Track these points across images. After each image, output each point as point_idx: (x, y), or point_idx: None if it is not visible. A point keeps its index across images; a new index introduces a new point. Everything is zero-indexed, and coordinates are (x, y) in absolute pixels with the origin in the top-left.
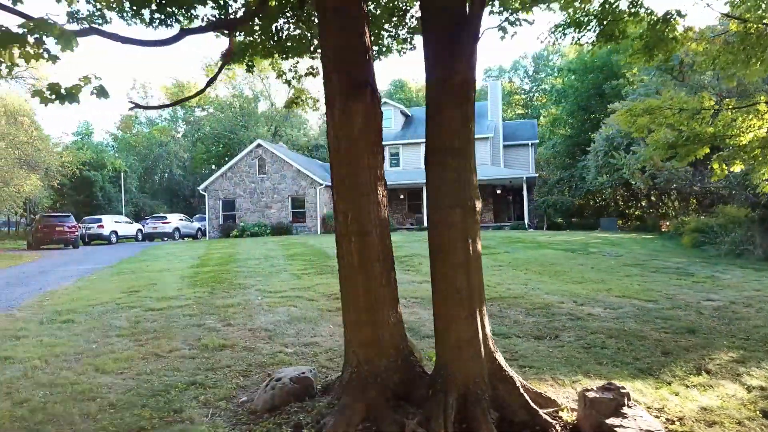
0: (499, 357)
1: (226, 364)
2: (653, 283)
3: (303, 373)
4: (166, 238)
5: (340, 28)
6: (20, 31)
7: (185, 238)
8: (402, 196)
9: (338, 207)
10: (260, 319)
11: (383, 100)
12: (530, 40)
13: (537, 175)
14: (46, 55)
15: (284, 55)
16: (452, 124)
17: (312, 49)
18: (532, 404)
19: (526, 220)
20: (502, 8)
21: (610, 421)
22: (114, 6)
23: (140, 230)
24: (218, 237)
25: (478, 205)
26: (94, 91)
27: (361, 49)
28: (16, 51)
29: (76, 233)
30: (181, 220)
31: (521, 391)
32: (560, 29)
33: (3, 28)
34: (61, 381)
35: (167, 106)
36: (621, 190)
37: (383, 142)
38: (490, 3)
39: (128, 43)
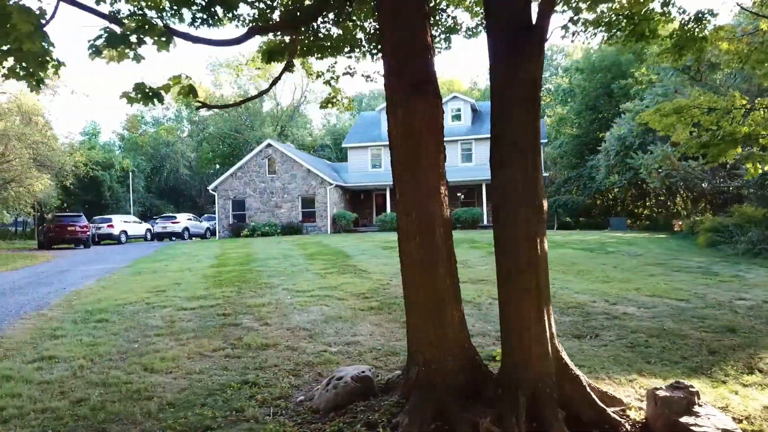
0: (565, 356)
1: (273, 363)
2: (680, 283)
3: (363, 372)
4: (174, 238)
5: (401, 26)
6: (125, 32)
7: (193, 238)
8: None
9: (401, 206)
10: (295, 318)
11: None
12: None
13: (547, 174)
14: (131, 55)
15: (322, 55)
16: (520, 123)
17: (348, 48)
18: (600, 403)
19: None
20: (565, 7)
21: (684, 419)
22: (153, 6)
23: (149, 230)
24: (228, 237)
25: (545, 203)
26: (182, 92)
27: (422, 47)
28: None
29: (88, 233)
30: (190, 219)
31: (588, 389)
32: (590, 28)
33: (108, 30)
34: (113, 380)
35: (232, 105)
36: (632, 189)
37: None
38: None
39: (199, 43)
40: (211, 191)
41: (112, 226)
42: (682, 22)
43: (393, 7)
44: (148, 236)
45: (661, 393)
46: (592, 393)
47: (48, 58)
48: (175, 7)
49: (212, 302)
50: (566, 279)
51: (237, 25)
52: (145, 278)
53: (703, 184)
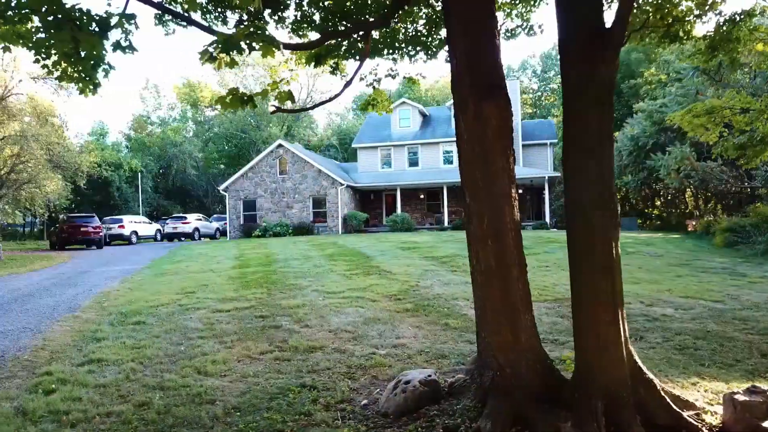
0: (638, 360)
1: (325, 366)
2: (709, 284)
3: (429, 376)
4: (183, 238)
5: (472, 30)
6: (237, 38)
7: (203, 239)
8: (422, 196)
9: (472, 209)
10: (334, 320)
11: (402, 99)
12: (537, 40)
13: (559, 174)
14: (227, 60)
15: (391, 53)
16: (594, 127)
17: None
18: (675, 407)
19: (548, 220)
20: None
21: (766, 424)
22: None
23: (159, 230)
24: (239, 237)
25: (617, 207)
26: (280, 97)
27: (492, 50)
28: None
29: (101, 234)
30: (199, 220)
31: (662, 393)
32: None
33: (224, 36)
34: (170, 384)
35: (305, 109)
36: (645, 189)
37: (402, 143)
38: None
39: (287, 49)
40: (221, 191)
41: (122, 226)
42: (718, 23)
43: (465, 8)
44: (158, 237)
45: (740, 397)
46: (666, 397)
47: (101, 63)
48: (219, 10)
49: (245, 304)
50: None
51: (278, 27)
52: (169, 280)
53: (723, 185)
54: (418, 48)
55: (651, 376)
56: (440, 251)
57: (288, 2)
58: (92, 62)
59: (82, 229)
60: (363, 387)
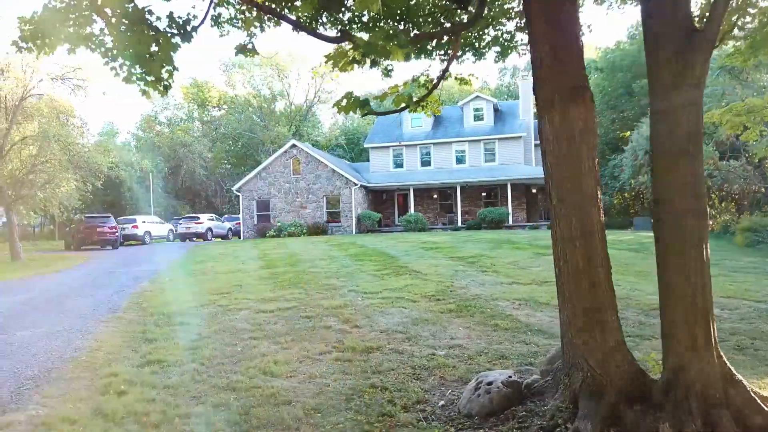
0: (726, 361)
1: (389, 367)
2: (744, 283)
3: (510, 377)
4: (194, 238)
5: (556, 31)
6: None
7: (215, 239)
8: (435, 196)
9: (560, 211)
10: (381, 320)
11: None
12: None
13: None
14: (345, 62)
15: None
16: (685, 127)
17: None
18: (766, 408)
19: None
20: None
21: None
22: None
23: (171, 230)
24: (253, 237)
25: (707, 209)
26: (399, 100)
27: (577, 51)
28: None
29: (117, 234)
30: (212, 220)
31: (752, 394)
32: None
33: (364, 40)
34: (239, 385)
35: (395, 111)
36: None
37: (414, 142)
38: None
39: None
40: (235, 191)
41: (136, 226)
42: (762, 21)
43: (549, 9)
44: (171, 237)
45: None
46: (757, 398)
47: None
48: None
49: (287, 304)
50: (630, 280)
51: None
52: (199, 280)
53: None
54: (466, 48)
55: (740, 377)
56: (464, 251)
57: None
58: (163, 63)
59: (98, 229)
60: (433, 388)
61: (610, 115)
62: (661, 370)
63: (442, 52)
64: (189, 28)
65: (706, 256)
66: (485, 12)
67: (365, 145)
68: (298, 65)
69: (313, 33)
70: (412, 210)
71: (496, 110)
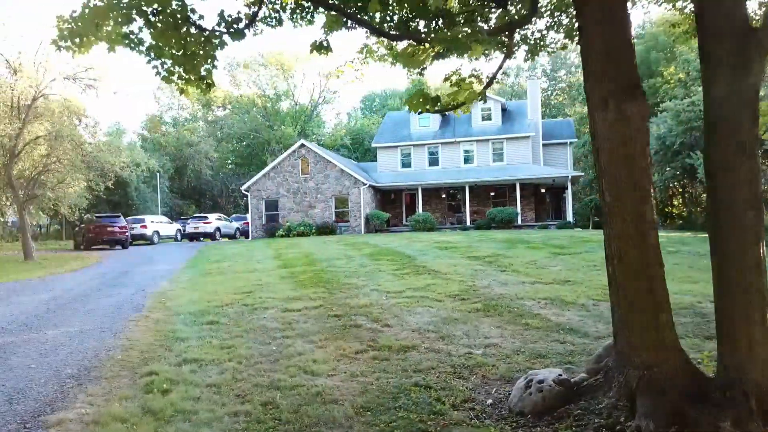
0: None
1: (428, 365)
2: None
3: (560, 375)
4: (202, 238)
5: (609, 30)
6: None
7: (223, 239)
8: (443, 196)
9: (614, 209)
10: (411, 319)
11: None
12: None
13: (583, 173)
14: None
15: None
16: (746, 126)
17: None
18: None
19: (571, 219)
20: None
21: None
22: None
23: (179, 230)
24: (262, 237)
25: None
26: (468, 98)
27: (629, 50)
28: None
29: (127, 234)
30: (220, 219)
31: None
32: None
33: (447, 37)
34: (282, 383)
35: (450, 109)
36: (672, 189)
37: (422, 142)
38: None
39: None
40: (243, 191)
41: (145, 226)
42: None
43: (601, 10)
44: (178, 237)
45: None
46: None
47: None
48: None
49: (313, 303)
50: None
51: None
52: (217, 280)
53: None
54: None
55: None
56: (480, 251)
57: None
58: (206, 61)
59: (108, 229)
60: (477, 387)
61: None
62: (714, 369)
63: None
64: (241, 26)
65: (764, 253)
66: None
67: (373, 145)
68: (303, 65)
69: (386, 35)
70: (420, 210)
71: (503, 110)
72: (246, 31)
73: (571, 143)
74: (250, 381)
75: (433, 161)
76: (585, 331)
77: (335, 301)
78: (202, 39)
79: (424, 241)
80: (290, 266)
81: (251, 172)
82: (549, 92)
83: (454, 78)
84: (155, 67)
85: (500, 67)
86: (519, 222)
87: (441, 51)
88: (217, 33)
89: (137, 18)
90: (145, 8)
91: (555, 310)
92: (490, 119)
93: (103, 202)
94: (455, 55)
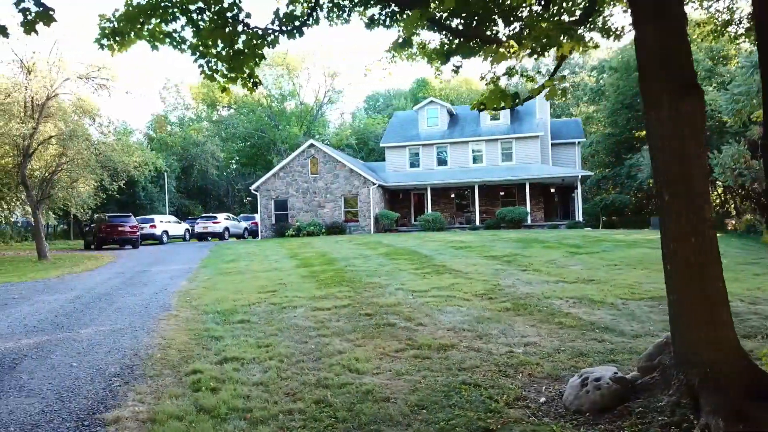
0: None
1: (472, 364)
2: None
3: (616, 373)
4: (210, 238)
5: (664, 28)
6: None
7: (231, 238)
8: (452, 195)
9: (672, 207)
10: (443, 318)
11: (430, 99)
12: None
13: (593, 173)
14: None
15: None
16: None
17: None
18: None
19: (580, 218)
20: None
21: None
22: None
23: (188, 230)
24: (271, 237)
25: None
26: (551, 94)
27: (685, 48)
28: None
29: (138, 233)
30: (228, 219)
31: None
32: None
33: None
34: (329, 382)
35: (529, 98)
36: None
37: (430, 142)
38: None
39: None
40: (252, 191)
41: (154, 226)
42: None
43: (656, 8)
44: (187, 236)
45: None
46: None
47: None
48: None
49: (341, 302)
50: (659, 280)
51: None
52: (239, 279)
53: None
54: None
55: None
56: (496, 251)
57: None
58: (255, 60)
59: (119, 228)
60: (526, 385)
61: (626, 114)
62: None
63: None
64: (298, 24)
65: None
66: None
67: (381, 145)
68: (308, 65)
69: (474, 33)
70: (429, 209)
71: (512, 109)
72: (303, 29)
73: (579, 143)
74: (296, 379)
75: (442, 161)
76: (620, 330)
77: (362, 300)
78: (250, 37)
79: (437, 241)
80: (308, 265)
81: (256, 172)
82: None
83: (515, 76)
84: (201, 65)
85: (557, 67)
86: (528, 222)
87: (533, 47)
88: (270, 31)
89: (180, 17)
90: (188, 6)
91: (585, 309)
92: (498, 119)
93: (112, 201)
94: (535, 51)
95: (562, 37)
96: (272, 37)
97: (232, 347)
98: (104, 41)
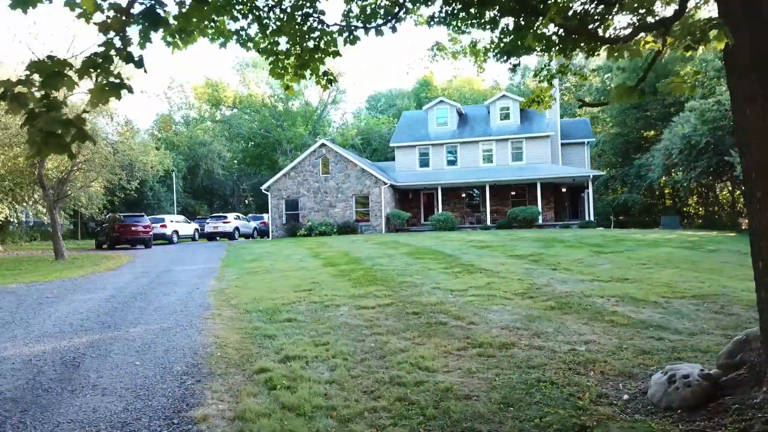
0: None
1: (540, 362)
2: None
3: (702, 370)
4: (218, 238)
5: (756, 23)
6: None
7: (240, 238)
8: (463, 195)
9: (764, 204)
10: (491, 317)
11: (440, 98)
12: None
13: (605, 172)
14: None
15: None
16: None
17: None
18: None
19: (592, 218)
20: None
21: None
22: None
23: (197, 230)
24: (282, 236)
25: None
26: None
27: None
28: None
29: (151, 233)
30: (238, 219)
31: None
32: None
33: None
34: (403, 380)
35: (598, 105)
36: (700, 188)
37: (440, 142)
38: None
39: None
40: (263, 191)
41: (165, 226)
42: None
43: (744, 7)
44: (196, 236)
45: None
46: None
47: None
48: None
49: (383, 301)
50: (707, 277)
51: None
52: (267, 278)
53: None
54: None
55: None
56: (519, 250)
57: None
58: (330, 57)
59: (133, 228)
60: (601, 382)
61: (634, 114)
62: None
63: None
64: (378, 22)
65: None
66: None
67: (391, 144)
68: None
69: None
70: (439, 209)
71: (522, 109)
72: (397, 26)
73: (587, 143)
74: (368, 377)
75: (452, 161)
76: (674, 328)
77: (403, 299)
78: (322, 35)
79: (455, 240)
80: (334, 264)
81: (261, 172)
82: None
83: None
84: (272, 62)
85: (650, 67)
86: (540, 222)
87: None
88: (353, 27)
89: (249, 14)
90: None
91: (630, 308)
92: (508, 118)
93: (119, 201)
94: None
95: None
96: (351, 35)
97: (289, 346)
98: (170, 38)
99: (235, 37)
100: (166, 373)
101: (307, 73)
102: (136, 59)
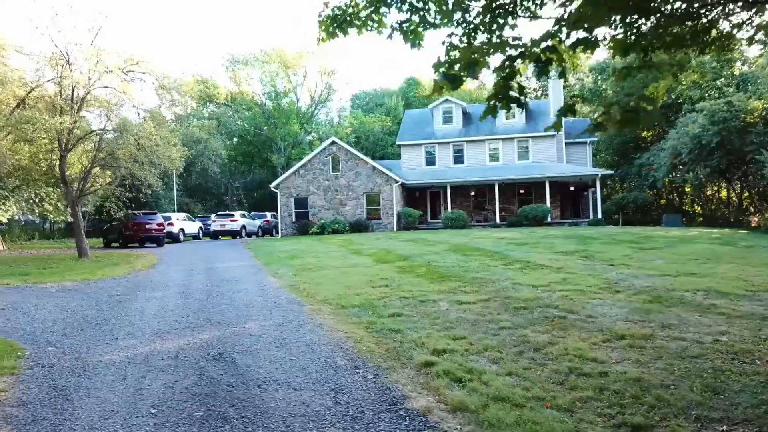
0: None
1: (697, 352)
2: None
3: None
4: (220, 237)
5: None
6: None
7: (248, 237)
8: (472, 193)
9: None
10: (602, 311)
11: (445, 97)
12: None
13: (612, 171)
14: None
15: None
16: None
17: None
18: None
19: (600, 216)
20: None
21: None
22: None
23: (201, 228)
24: (293, 234)
25: None
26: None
27: None
28: None
29: (164, 231)
30: (244, 217)
31: None
32: None
33: None
34: (580, 371)
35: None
36: (709, 187)
37: (447, 140)
38: None
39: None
40: (273, 189)
41: (172, 224)
42: None
43: None
44: (200, 235)
45: None
46: None
47: None
48: None
49: (478, 297)
50: (758, 273)
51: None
52: (328, 274)
53: None
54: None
55: None
56: (558, 247)
57: None
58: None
59: (146, 226)
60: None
61: None
62: None
63: None
64: None
65: None
66: None
67: (397, 143)
68: (305, 62)
69: None
70: (449, 207)
71: (527, 109)
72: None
73: (590, 142)
74: (542, 369)
75: (458, 159)
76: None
77: (495, 294)
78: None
79: (484, 237)
80: (386, 261)
81: (254, 170)
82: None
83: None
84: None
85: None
86: (549, 220)
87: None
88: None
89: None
90: None
91: (725, 301)
92: (514, 117)
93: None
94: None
95: None
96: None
97: (426, 340)
98: (330, 29)
99: (399, 30)
100: (332, 368)
101: None
102: None
